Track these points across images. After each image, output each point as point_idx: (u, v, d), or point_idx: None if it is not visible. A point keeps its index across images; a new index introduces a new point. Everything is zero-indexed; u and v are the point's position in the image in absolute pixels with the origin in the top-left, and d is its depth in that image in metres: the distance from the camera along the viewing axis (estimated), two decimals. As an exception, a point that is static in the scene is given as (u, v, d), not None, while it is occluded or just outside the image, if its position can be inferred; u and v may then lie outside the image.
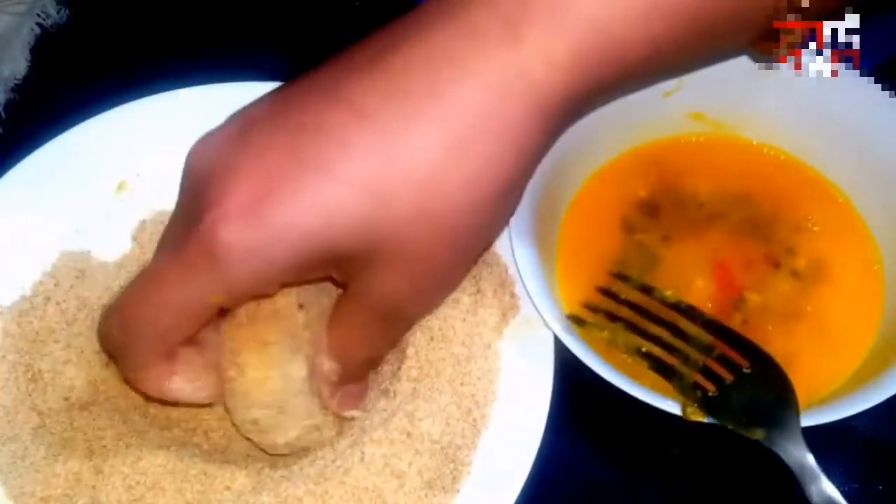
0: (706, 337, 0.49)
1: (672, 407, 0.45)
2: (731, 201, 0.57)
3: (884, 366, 0.48)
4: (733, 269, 0.54)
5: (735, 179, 0.58)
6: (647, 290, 0.51)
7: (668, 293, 0.51)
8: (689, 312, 0.49)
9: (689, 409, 0.45)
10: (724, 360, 0.48)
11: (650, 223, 0.56)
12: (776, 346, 0.51)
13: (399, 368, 0.51)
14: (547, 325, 0.49)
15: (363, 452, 0.48)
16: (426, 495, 0.48)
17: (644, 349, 0.49)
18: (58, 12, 0.71)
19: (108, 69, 0.68)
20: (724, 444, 0.50)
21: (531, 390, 0.50)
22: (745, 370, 0.47)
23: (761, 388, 0.46)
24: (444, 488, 0.48)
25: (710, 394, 0.47)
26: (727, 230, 0.56)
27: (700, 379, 0.47)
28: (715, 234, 0.56)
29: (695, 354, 0.48)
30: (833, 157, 0.57)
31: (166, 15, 0.71)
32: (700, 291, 0.53)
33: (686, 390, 0.47)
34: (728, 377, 0.47)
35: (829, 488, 0.43)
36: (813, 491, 0.43)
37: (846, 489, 0.51)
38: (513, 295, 0.54)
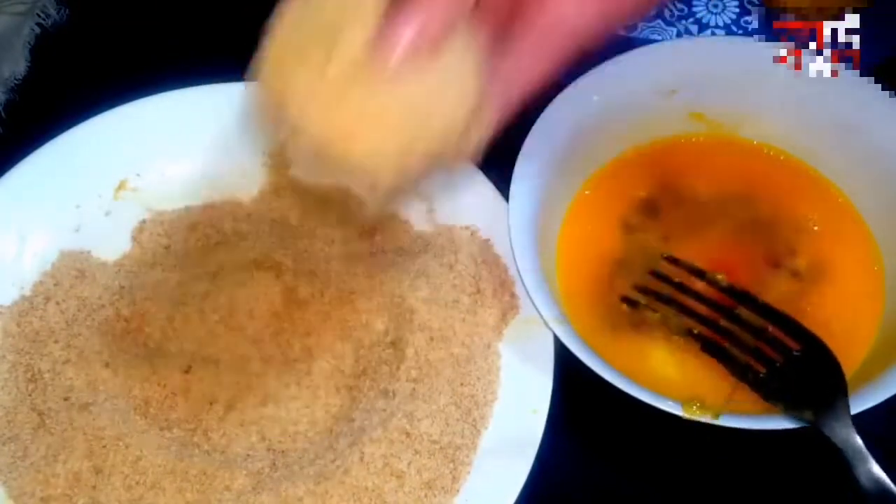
0: (758, 320, 0.49)
1: (672, 407, 0.45)
2: (731, 201, 0.57)
3: (884, 366, 0.48)
4: (733, 269, 0.54)
5: (735, 179, 0.57)
6: (699, 273, 0.51)
7: (720, 276, 0.51)
8: (742, 296, 0.50)
9: (689, 409, 0.46)
10: (774, 343, 0.48)
11: (650, 223, 0.56)
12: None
13: (398, 369, 0.51)
14: (547, 326, 0.49)
15: (363, 452, 0.48)
16: (426, 495, 0.48)
17: (696, 331, 0.49)
18: (58, 12, 0.71)
19: (108, 69, 0.68)
20: (723, 444, 0.50)
21: (531, 390, 0.50)
22: (794, 352, 0.47)
23: (811, 370, 0.47)
24: (443, 488, 0.48)
25: (760, 375, 0.47)
26: (727, 230, 0.56)
27: (751, 361, 0.48)
28: (715, 234, 0.56)
29: (746, 336, 0.49)
30: (833, 157, 0.57)
31: (166, 15, 0.71)
32: (700, 291, 0.53)
33: (737, 372, 0.48)
34: (778, 359, 0.47)
35: (877, 470, 0.43)
36: (861, 473, 0.43)
37: (847, 489, 0.52)
38: (513, 295, 0.54)
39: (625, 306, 0.52)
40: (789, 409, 0.45)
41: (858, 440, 0.43)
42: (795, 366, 0.47)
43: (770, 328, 0.49)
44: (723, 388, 0.49)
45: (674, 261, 0.52)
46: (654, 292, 0.51)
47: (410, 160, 0.41)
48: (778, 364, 0.47)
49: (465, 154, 0.43)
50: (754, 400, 0.48)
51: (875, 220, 0.55)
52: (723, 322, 0.50)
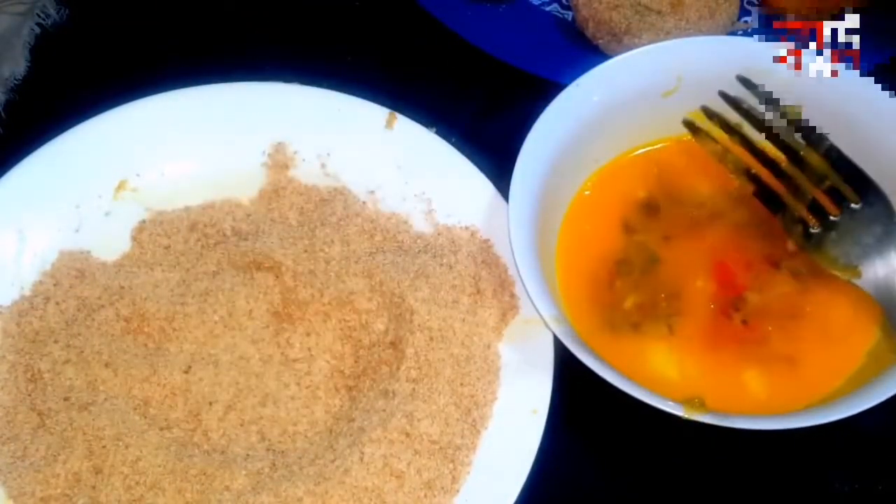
0: (822, 165, 0.47)
1: (672, 407, 0.45)
2: (731, 201, 0.57)
3: (884, 366, 0.48)
4: (733, 269, 0.54)
5: (735, 179, 0.57)
6: (771, 101, 0.48)
7: (789, 107, 0.48)
8: (810, 134, 0.47)
9: (689, 409, 0.46)
10: (833, 193, 0.45)
11: (650, 223, 0.56)
12: (776, 346, 0.51)
13: (398, 369, 0.51)
14: (547, 326, 0.49)
15: (362, 453, 0.48)
16: (426, 495, 0.48)
17: (753, 171, 0.46)
18: (58, 12, 0.71)
19: (108, 69, 0.68)
20: (723, 444, 0.50)
21: (531, 390, 0.50)
22: (853, 206, 0.45)
23: (866, 226, 0.45)
24: (443, 488, 0.48)
25: (811, 229, 0.45)
26: (727, 230, 0.56)
27: (806, 214, 0.45)
28: (715, 234, 0.56)
29: (806, 185, 0.46)
30: (833, 157, 0.57)
31: (166, 15, 0.71)
32: (700, 291, 0.53)
33: (787, 224, 0.46)
34: (835, 212, 0.45)
35: None
36: None
37: (847, 489, 0.52)
38: (513, 295, 0.54)
39: (629, 304, 0.52)
40: (836, 267, 0.43)
41: None
42: (851, 221, 0.45)
43: (833, 177, 0.45)
44: (723, 389, 0.49)
45: (749, 84, 0.48)
46: (721, 117, 0.47)
47: None
48: (833, 218, 0.45)
49: None
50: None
51: (875, 220, 0.55)
52: (784, 165, 0.46)
